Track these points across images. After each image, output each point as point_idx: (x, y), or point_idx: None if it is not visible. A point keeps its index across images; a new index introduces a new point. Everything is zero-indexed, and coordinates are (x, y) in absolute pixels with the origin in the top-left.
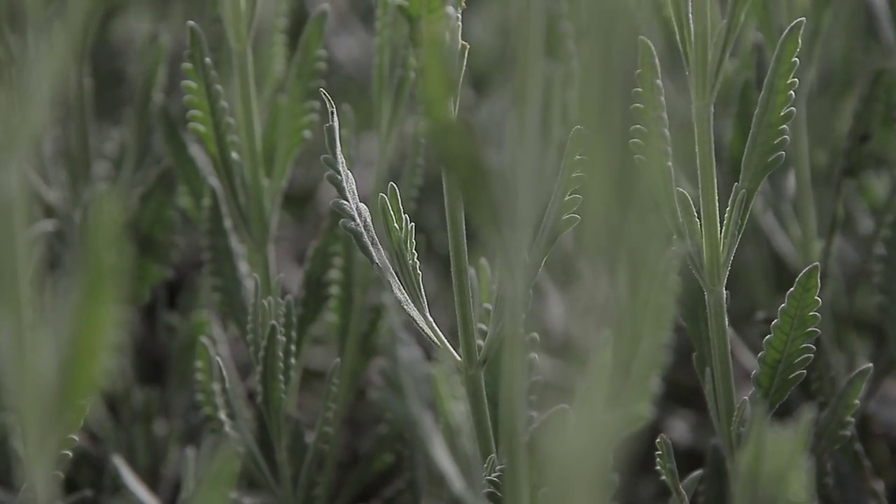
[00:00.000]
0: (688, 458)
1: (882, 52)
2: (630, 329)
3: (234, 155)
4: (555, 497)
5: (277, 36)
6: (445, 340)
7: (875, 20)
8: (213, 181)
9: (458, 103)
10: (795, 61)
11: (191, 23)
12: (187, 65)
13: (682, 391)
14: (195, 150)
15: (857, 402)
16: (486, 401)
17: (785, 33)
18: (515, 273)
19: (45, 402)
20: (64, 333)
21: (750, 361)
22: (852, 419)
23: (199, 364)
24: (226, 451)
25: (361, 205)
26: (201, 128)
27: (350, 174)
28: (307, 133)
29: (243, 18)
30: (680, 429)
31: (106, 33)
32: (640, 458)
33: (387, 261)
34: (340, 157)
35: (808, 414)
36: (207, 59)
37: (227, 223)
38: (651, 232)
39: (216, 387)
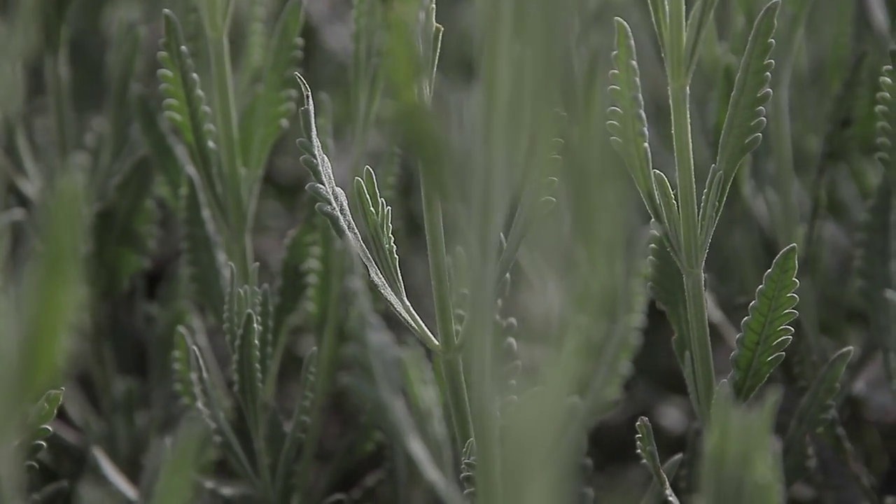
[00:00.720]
0: (680, 445)
1: (873, 39)
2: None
3: (210, 144)
4: (508, 473)
5: (255, 24)
6: (423, 325)
7: (866, 6)
8: (191, 170)
9: (432, 86)
10: (771, 42)
11: (166, 11)
12: (163, 53)
13: (675, 378)
14: (173, 140)
15: (837, 385)
16: (464, 386)
17: (760, 14)
18: (485, 256)
19: (4, 386)
20: (24, 315)
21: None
22: (832, 403)
23: (177, 354)
24: (190, 436)
25: (338, 189)
26: (178, 116)
27: (326, 158)
28: (284, 122)
29: (219, 7)
30: (672, 415)
31: (96, 25)
32: (629, 445)
33: (363, 245)
34: (316, 141)
35: (773, 396)
36: (183, 48)
37: (205, 212)
38: (601, 207)
39: (194, 376)
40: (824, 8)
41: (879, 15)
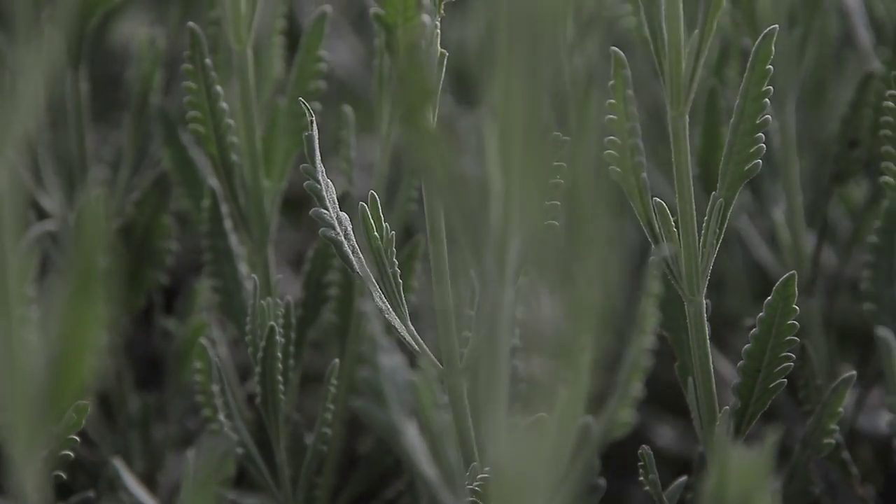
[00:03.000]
0: (679, 465)
1: (858, 58)
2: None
3: (233, 156)
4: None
5: (276, 38)
6: (426, 348)
7: (850, 26)
8: (213, 182)
9: (437, 110)
10: (769, 68)
11: (191, 24)
12: (188, 66)
13: (673, 395)
14: (194, 152)
15: (840, 409)
16: (467, 409)
17: (758, 40)
18: (501, 281)
19: (33, 403)
20: (52, 334)
21: (734, 371)
22: (836, 427)
23: (198, 365)
24: (218, 450)
25: (342, 213)
26: (201, 129)
27: (331, 183)
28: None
29: (244, 19)
30: (668, 436)
31: (104, 37)
32: (628, 462)
33: (367, 269)
34: (320, 166)
35: (774, 434)
36: (207, 61)
37: (227, 224)
38: (599, 236)
39: (215, 388)
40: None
41: (864, 34)
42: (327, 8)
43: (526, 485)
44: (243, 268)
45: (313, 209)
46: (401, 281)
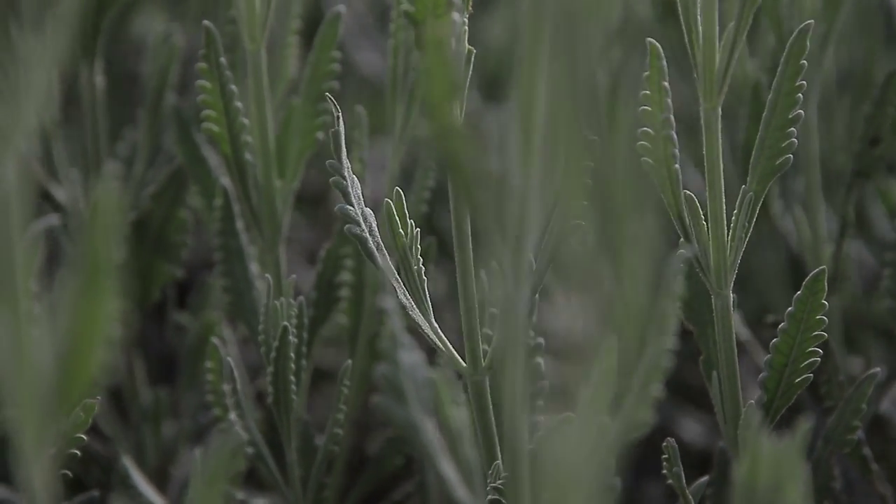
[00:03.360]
0: (701, 460)
1: None
2: (630, 333)
3: (247, 156)
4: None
5: (290, 37)
6: (450, 346)
7: (894, 20)
8: (226, 181)
9: (464, 107)
10: (803, 64)
11: (206, 22)
12: (202, 65)
13: (697, 392)
14: (207, 151)
15: (864, 406)
16: (490, 407)
17: (793, 36)
18: (518, 279)
19: (41, 398)
20: (61, 328)
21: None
22: (859, 423)
23: (209, 365)
24: (226, 448)
25: (367, 210)
26: (215, 128)
27: (356, 179)
28: (320, 134)
29: (258, 19)
30: (694, 430)
31: (122, 33)
32: (651, 459)
33: (391, 266)
34: (346, 163)
35: (806, 423)
36: (222, 59)
37: (239, 223)
38: (633, 236)
39: (226, 387)
40: (852, 24)
41: None
42: (341, 7)
43: (575, 480)
44: (254, 267)
45: (339, 205)
46: (425, 278)
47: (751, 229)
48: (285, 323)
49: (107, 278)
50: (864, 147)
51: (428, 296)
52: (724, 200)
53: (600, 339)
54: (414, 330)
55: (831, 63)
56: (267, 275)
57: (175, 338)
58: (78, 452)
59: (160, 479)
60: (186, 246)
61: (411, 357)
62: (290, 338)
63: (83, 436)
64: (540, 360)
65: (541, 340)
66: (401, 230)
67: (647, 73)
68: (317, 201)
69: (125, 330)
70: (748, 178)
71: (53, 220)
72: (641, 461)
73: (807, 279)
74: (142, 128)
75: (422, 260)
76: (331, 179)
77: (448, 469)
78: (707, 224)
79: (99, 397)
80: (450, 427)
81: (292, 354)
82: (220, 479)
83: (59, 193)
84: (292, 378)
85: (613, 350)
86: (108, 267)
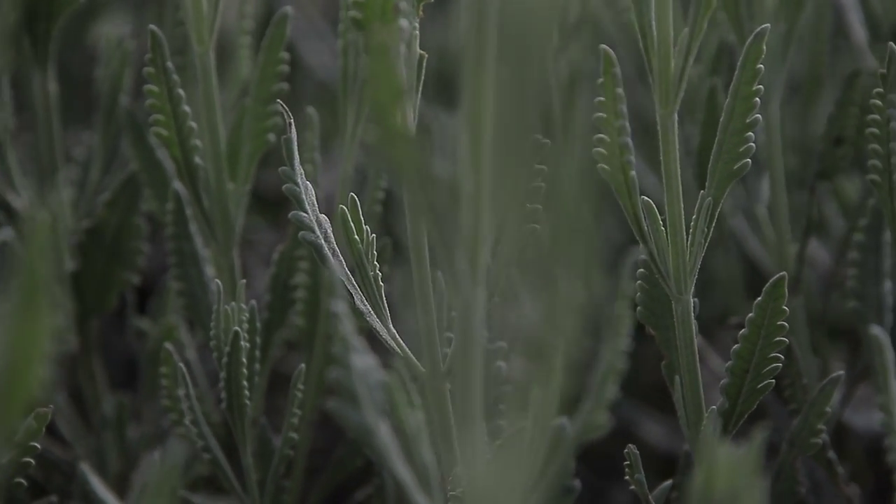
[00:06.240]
0: (664, 463)
1: (851, 54)
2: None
3: (197, 159)
4: None
5: (243, 38)
6: (409, 351)
7: (845, 21)
8: (178, 185)
9: (416, 112)
10: (760, 68)
11: (152, 26)
12: (149, 69)
13: (657, 392)
14: (162, 154)
15: (828, 409)
16: (451, 412)
17: (749, 40)
18: (475, 282)
19: None
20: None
21: (722, 367)
22: (824, 427)
23: (164, 370)
24: (176, 452)
25: (322, 216)
26: (164, 132)
27: (310, 185)
28: (272, 136)
29: (205, 21)
30: (655, 432)
31: (83, 38)
32: (612, 460)
33: (347, 272)
34: (299, 168)
35: (760, 434)
36: (169, 63)
37: (193, 227)
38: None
39: (181, 393)
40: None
41: (858, 30)
42: (289, 9)
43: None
44: (209, 270)
45: (292, 212)
46: (382, 284)
47: (710, 234)
48: (236, 328)
49: (43, 294)
50: (828, 147)
51: (385, 301)
52: (682, 206)
53: (554, 340)
54: (370, 332)
55: (802, 63)
56: (216, 279)
57: (136, 343)
58: (32, 461)
59: (122, 485)
60: (142, 253)
61: (363, 361)
62: (242, 343)
63: (36, 444)
64: (501, 363)
65: (502, 344)
66: (356, 236)
67: (601, 80)
68: (277, 203)
69: (84, 336)
70: (706, 183)
71: (8, 233)
72: (608, 464)
73: (767, 285)
74: (97, 133)
75: (378, 266)
76: (283, 187)
77: (404, 473)
78: (666, 229)
79: (52, 405)
80: (405, 430)
81: (244, 359)
82: (172, 484)
83: (15, 201)
84: (245, 383)
85: (563, 351)
86: (44, 283)
